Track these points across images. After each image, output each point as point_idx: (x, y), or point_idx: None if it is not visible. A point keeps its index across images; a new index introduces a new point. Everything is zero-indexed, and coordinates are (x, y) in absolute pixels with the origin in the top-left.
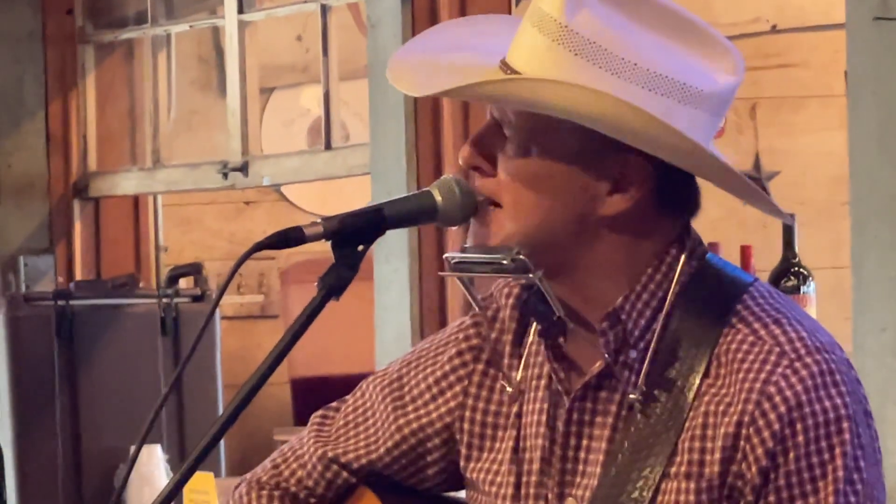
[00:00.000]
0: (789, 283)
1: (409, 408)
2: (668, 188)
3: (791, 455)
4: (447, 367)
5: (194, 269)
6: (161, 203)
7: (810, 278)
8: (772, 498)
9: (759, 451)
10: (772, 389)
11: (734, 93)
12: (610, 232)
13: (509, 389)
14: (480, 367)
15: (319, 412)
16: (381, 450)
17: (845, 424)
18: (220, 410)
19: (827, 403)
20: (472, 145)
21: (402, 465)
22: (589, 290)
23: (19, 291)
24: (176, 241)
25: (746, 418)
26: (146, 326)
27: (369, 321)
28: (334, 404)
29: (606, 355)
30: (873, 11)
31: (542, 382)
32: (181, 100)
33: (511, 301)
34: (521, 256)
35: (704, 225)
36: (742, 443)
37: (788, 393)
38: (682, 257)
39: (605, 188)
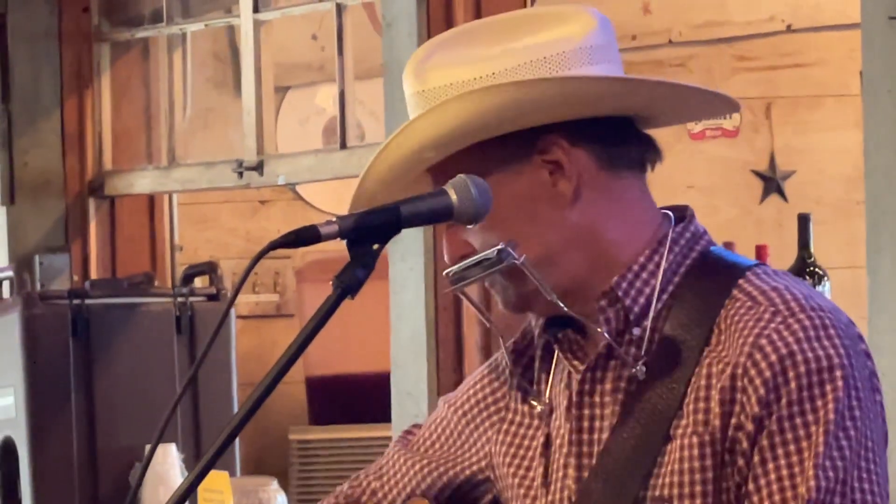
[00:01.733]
0: None
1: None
2: (599, 147)
3: (783, 401)
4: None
5: (209, 268)
6: (176, 202)
7: (825, 278)
8: (764, 442)
9: (753, 398)
10: (763, 342)
11: (606, 35)
12: (586, 218)
13: (539, 408)
14: (514, 391)
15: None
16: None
17: (838, 373)
18: (235, 409)
19: (820, 353)
20: (447, 244)
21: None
22: (590, 277)
23: (35, 290)
24: (191, 240)
25: (740, 370)
26: (161, 325)
27: (385, 320)
28: (412, 426)
29: (607, 333)
30: (889, 11)
31: (564, 384)
32: (196, 98)
33: (541, 321)
34: (504, 248)
35: (719, 224)
36: (738, 395)
37: (779, 343)
38: (671, 237)
39: (546, 182)
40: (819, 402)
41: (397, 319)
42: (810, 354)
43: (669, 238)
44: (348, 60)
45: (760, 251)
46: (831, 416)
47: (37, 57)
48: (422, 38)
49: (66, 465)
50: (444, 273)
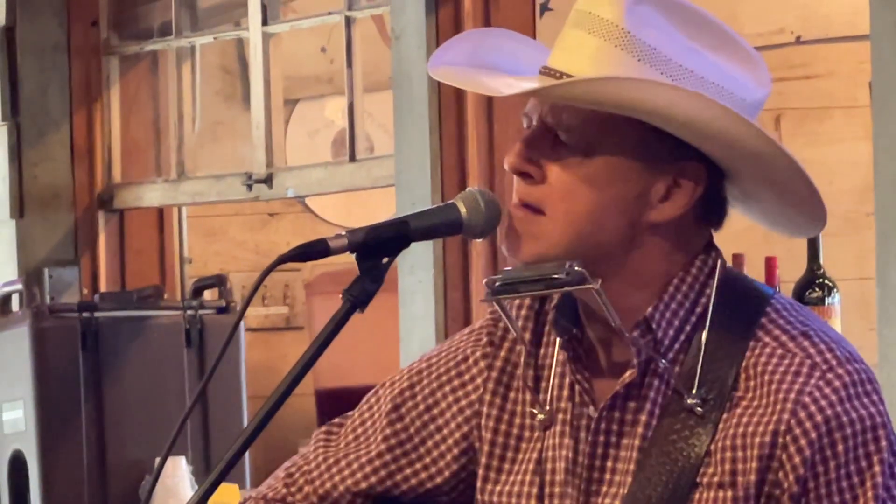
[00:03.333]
0: (814, 295)
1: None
2: (710, 198)
3: (831, 464)
4: (465, 378)
5: (219, 281)
6: (186, 214)
7: (835, 290)
8: None
9: (797, 459)
10: (807, 399)
11: (762, 104)
12: (652, 240)
13: (541, 416)
14: (494, 374)
15: (323, 428)
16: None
17: (881, 432)
18: (245, 422)
19: (863, 412)
20: (524, 147)
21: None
22: (622, 299)
23: (44, 303)
24: (201, 253)
25: (783, 427)
26: (171, 338)
27: (394, 332)
28: (337, 420)
29: (638, 364)
30: None
31: (565, 393)
32: (206, 111)
33: (523, 312)
34: (577, 269)
35: (729, 236)
36: (778, 451)
37: (824, 402)
38: (717, 268)
39: (658, 195)
40: (864, 463)
41: (406, 332)
42: (854, 415)
43: (696, 266)
44: (357, 73)
45: (770, 263)
46: (878, 479)
47: (46, 70)
48: (431, 51)
49: (75, 478)
50: (484, 282)
